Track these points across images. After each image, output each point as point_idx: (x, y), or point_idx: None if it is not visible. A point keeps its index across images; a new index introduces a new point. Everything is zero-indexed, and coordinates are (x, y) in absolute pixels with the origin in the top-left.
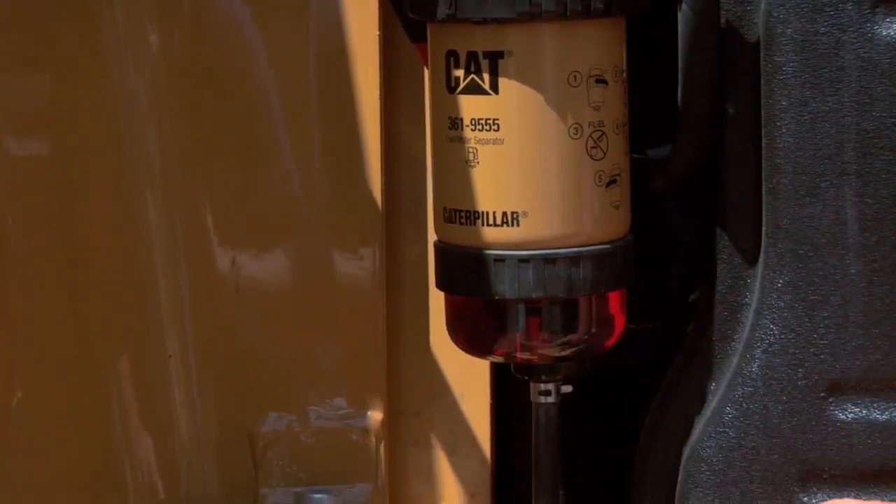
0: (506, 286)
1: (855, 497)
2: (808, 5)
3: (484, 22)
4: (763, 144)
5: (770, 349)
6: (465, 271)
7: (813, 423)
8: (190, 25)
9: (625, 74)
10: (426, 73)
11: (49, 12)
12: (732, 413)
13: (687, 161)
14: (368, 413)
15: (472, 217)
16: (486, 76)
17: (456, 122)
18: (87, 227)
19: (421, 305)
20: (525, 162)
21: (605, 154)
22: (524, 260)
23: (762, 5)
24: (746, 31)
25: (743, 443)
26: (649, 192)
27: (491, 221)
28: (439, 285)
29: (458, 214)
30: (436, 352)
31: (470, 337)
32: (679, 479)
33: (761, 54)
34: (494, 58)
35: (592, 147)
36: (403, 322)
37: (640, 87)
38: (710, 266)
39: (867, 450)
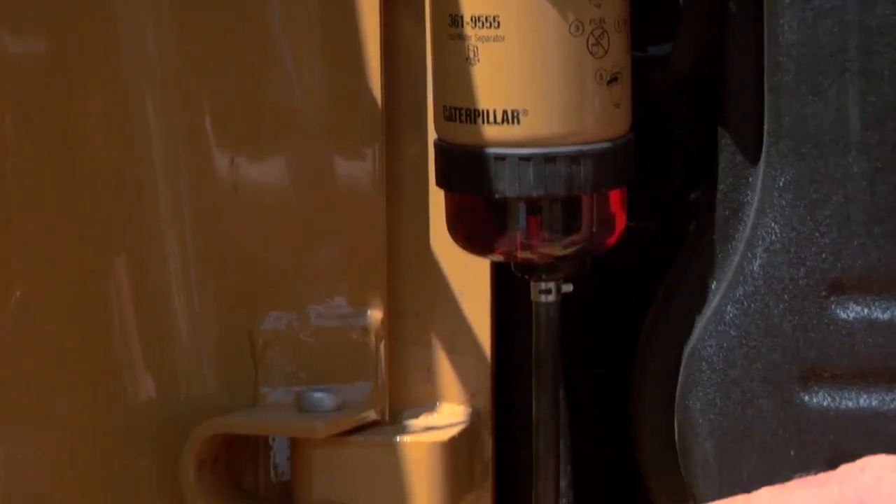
0: (506, 185)
1: (856, 393)
2: None
3: None
4: (765, 42)
5: (771, 248)
6: (466, 170)
7: (814, 322)
8: None
9: None
10: None
11: None
12: (733, 312)
13: (688, 59)
14: (368, 312)
15: (473, 115)
16: None
17: (456, 20)
18: (84, 127)
19: (421, 205)
20: (525, 59)
21: (606, 52)
22: (525, 158)
23: None
24: None
25: (744, 342)
26: (650, 90)
27: (491, 119)
28: (439, 184)
29: (458, 112)
30: (436, 251)
31: (470, 236)
32: (679, 378)
33: None
34: None
35: (593, 45)
36: (403, 221)
37: None
38: (711, 165)
39: (868, 349)
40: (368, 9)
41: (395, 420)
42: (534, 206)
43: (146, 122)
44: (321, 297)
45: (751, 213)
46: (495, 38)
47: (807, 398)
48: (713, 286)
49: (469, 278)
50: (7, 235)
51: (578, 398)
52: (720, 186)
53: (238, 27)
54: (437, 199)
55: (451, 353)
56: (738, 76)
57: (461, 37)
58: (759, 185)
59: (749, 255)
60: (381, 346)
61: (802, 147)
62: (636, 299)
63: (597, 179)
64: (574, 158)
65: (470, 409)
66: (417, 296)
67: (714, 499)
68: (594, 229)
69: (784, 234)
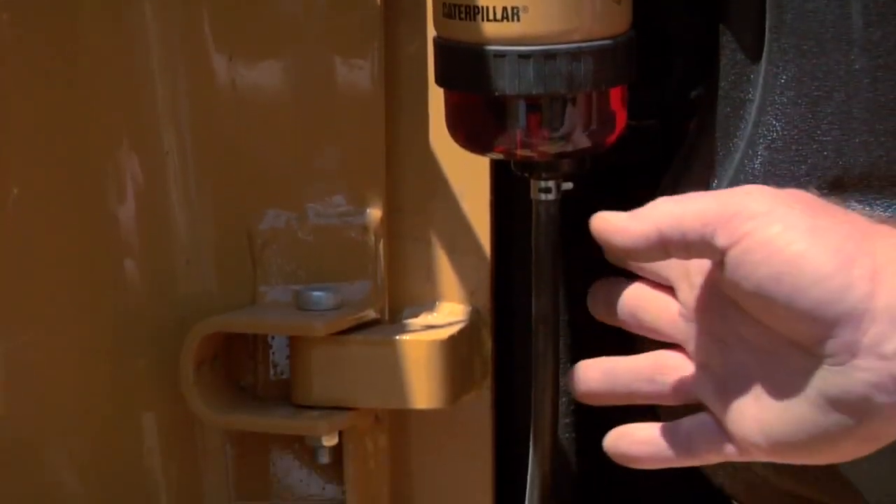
0: (506, 82)
1: None
2: None
3: None
4: None
5: (773, 145)
6: (465, 67)
7: None
8: None
9: None
10: None
11: None
12: None
13: None
14: (367, 210)
15: (472, 12)
16: None
17: None
18: (82, 25)
19: (420, 103)
20: None
21: None
22: (524, 56)
23: None
24: None
25: None
26: None
27: (491, 16)
28: (438, 81)
29: (457, 9)
30: (435, 149)
31: (469, 134)
32: None
33: None
34: None
35: None
36: (402, 119)
37: None
38: (712, 62)
39: None
40: None
41: (394, 319)
42: (533, 104)
43: (143, 18)
44: (320, 195)
45: (752, 111)
46: None
47: None
48: (714, 184)
49: (468, 177)
50: (5, 133)
51: (579, 297)
52: (721, 84)
53: None
54: (436, 98)
55: (451, 251)
56: None
57: None
58: (760, 82)
59: (750, 152)
60: (381, 245)
61: (804, 44)
62: (637, 197)
63: (597, 77)
64: (574, 56)
65: (469, 308)
66: (417, 194)
67: None
68: (594, 127)
69: (785, 132)
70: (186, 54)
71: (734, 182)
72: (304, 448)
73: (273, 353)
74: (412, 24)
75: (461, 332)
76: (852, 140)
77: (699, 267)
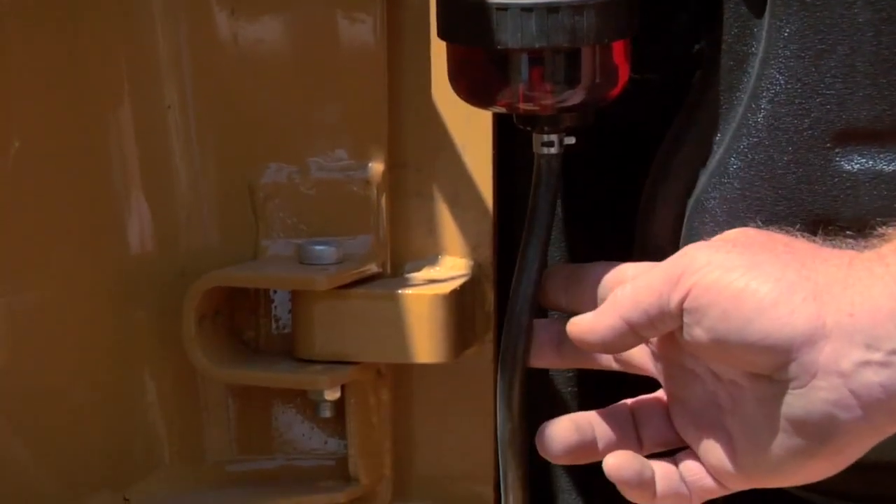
0: (508, 35)
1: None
2: None
3: None
4: None
5: (776, 99)
6: (468, 21)
7: (818, 173)
8: None
9: None
10: None
11: None
12: (737, 164)
13: None
14: (369, 164)
15: None
16: None
17: None
18: None
19: (423, 56)
20: None
21: None
22: (527, 9)
23: None
24: None
25: (748, 194)
26: None
27: None
28: (441, 35)
29: None
30: (438, 103)
31: (472, 87)
32: (682, 230)
33: None
34: None
35: None
36: (405, 73)
37: None
38: (715, 15)
39: (873, 201)
40: None
41: (396, 273)
42: (536, 58)
43: None
44: (322, 149)
45: (755, 64)
46: None
47: None
48: (717, 138)
49: (471, 130)
50: (6, 86)
51: (580, 253)
52: (725, 37)
53: None
54: (439, 51)
55: (453, 205)
56: None
57: None
58: (763, 35)
59: (753, 106)
60: (383, 199)
61: None
62: (640, 150)
63: (600, 30)
64: (577, 8)
65: (472, 262)
66: (419, 148)
67: None
68: (597, 81)
69: (789, 85)
70: (188, 8)
71: (737, 136)
72: (306, 402)
73: (275, 307)
74: None
75: (463, 286)
76: (856, 94)
77: None
